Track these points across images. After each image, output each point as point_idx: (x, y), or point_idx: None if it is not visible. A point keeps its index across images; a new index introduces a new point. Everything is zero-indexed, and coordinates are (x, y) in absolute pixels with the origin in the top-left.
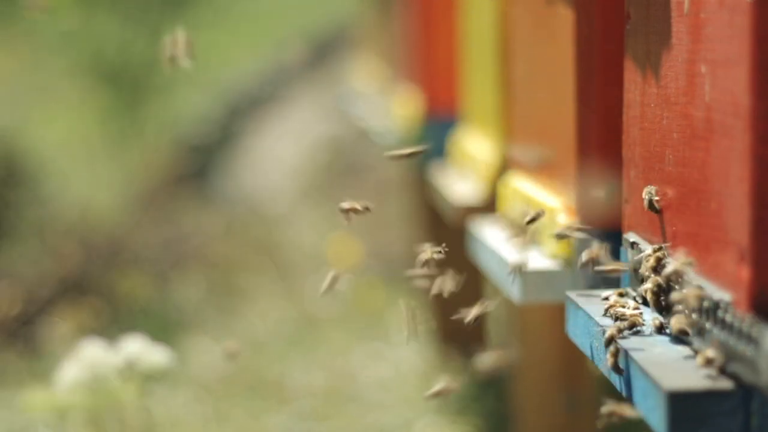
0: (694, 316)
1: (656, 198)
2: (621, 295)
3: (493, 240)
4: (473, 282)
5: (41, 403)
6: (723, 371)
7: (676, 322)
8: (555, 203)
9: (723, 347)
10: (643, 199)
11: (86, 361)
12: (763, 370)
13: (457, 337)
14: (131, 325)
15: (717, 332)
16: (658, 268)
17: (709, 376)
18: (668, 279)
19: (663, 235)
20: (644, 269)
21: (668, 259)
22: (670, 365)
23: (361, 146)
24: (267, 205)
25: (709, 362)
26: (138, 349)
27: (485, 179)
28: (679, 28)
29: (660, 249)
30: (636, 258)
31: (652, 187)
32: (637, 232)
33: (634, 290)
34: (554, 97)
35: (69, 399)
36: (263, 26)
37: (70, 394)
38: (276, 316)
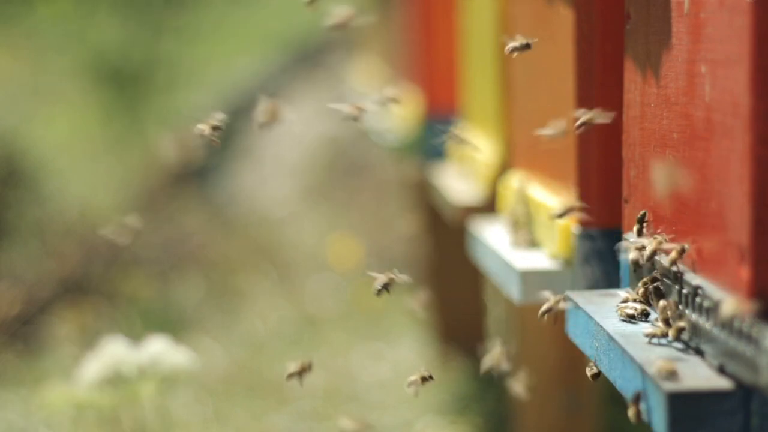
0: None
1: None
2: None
3: (494, 240)
4: (473, 282)
5: (60, 399)
6: (723, 371)
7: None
8: (555, 203)
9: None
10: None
11: (107, 358)
12: (763, 370)
13: (457, 337)
14: (131, 325)
15: (717, 332)
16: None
17: (709, 377)
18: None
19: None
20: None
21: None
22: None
23: (361, 146)
24: (267, 205)
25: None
26: (160, 349)
27: (485, 179)
28: (679, 28)
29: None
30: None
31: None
32: None
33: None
34: (554, 97)
35: (88, 396)
36: (264, 26)
37: (90, 392)
38: (276, 316)
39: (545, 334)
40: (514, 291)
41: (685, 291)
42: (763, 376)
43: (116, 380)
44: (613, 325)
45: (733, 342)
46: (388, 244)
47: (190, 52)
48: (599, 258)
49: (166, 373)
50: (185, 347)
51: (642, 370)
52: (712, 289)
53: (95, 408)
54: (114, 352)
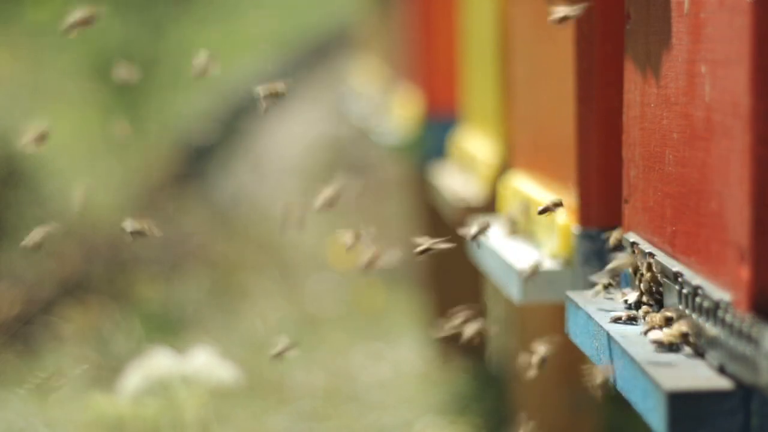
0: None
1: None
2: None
3: (494, 240)
4: (473, 282)
5: (103, 408)
6: (723, 371)
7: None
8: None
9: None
10: (642, 199)
11: (151, 370)
12: (763, 370)
13: (457, 337)
14: (132, 326)
15: (717, 332)
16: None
17: (709, 377)
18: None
19: (662, 234)
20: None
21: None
22: (670, 365)
23: (361, 146)
24: (267, 205)
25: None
26: (204, 362)
27: (485, 179)
28: (679, 28)
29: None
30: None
31: None
32: (637, 232)
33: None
34: (554, 97)
35: (130, 407)
36: (264, 26)
37: (132, 402)
38: (276, 316)
39: (545, 334)
40: (514, 291)
41: (685, 291)
42: (763, 376)
43: (159, 392)
44: (614, 325)
45: (733, 342)
46: (388, 244)
47: (190, 51)
48: (599, 258)
49: (210, 386)
50: (229, 362)
51: (642, 371)
52: (712, 289)
53: (137, 420)
54: (157, 364)
